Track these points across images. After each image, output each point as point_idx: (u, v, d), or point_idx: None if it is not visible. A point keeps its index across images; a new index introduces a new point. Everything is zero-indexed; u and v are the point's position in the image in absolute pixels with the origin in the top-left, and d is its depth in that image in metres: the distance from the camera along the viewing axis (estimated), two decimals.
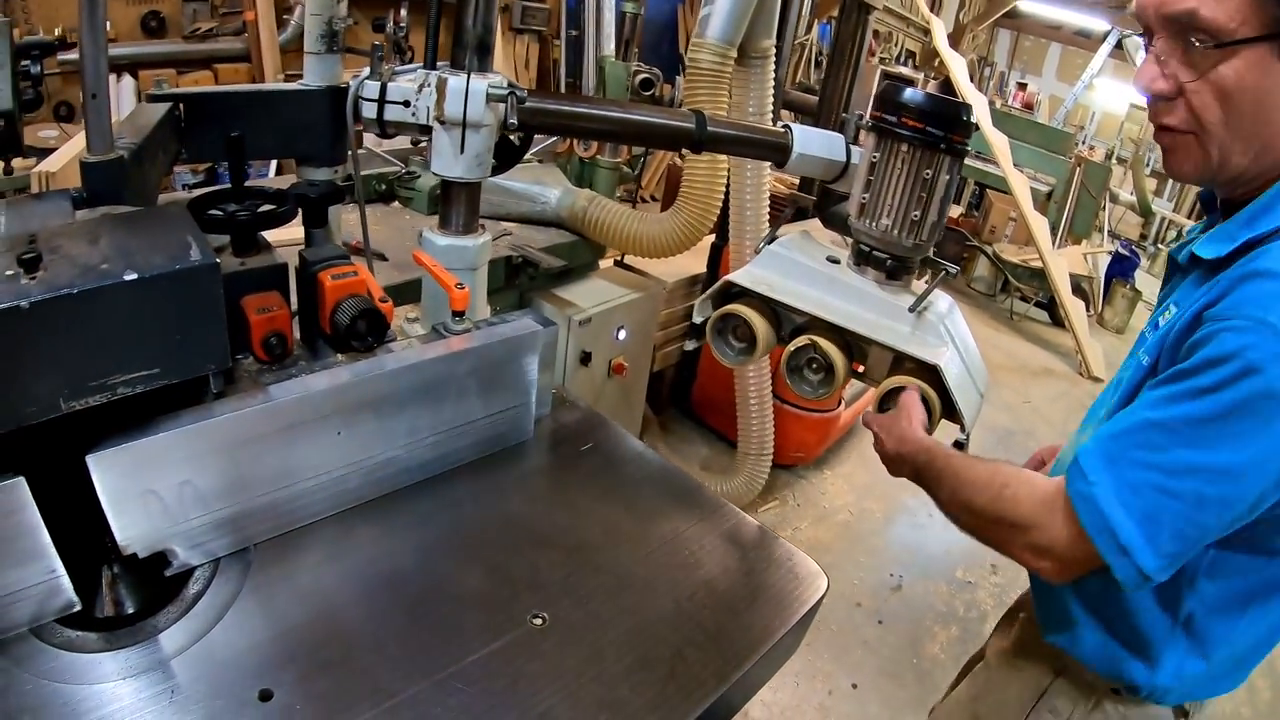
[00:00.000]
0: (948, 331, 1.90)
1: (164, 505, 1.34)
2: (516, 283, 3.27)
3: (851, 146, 2.44)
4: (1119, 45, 12.94)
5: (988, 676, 1.90)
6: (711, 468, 4.77)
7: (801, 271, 2.20)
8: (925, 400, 1.78)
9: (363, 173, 2.16)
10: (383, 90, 1.91)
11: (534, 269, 3.10)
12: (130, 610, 1.36)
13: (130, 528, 1.33)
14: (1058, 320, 8.54)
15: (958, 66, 7.78)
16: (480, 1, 1.90)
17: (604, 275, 3.69)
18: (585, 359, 3.48)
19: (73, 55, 1.71)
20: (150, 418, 1.31)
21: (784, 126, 2.39)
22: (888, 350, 1.94)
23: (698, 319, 2.28)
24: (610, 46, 6.93)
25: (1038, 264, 8.08)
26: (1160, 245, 12.07)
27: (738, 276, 2.19)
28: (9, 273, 1.16)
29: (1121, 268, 9.30)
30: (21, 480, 1.17)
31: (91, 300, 1.16)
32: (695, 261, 4.29)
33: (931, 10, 7.76)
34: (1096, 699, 1.64)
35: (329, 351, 1.63)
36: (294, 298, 1.66)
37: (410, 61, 2.01)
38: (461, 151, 1.87)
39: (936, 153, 1.97)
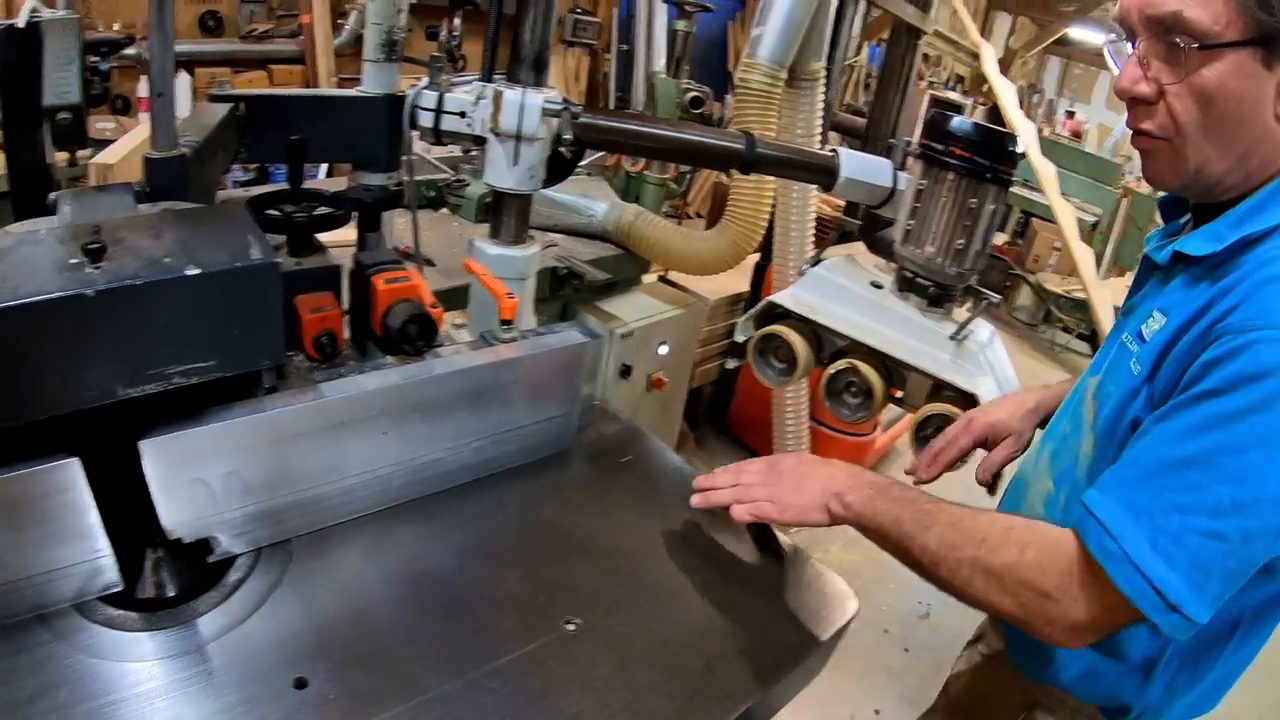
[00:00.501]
0: (987, 361, 1.92)
1: (211, 493, 1.37)
2: (561, 294, 3.29)
3: (898, 172, 2.46)
4: None
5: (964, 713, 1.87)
6: None
7: (844, 295, 2.21)
8: None
9: (389, 180, 2.20)
10: (440, 100, 1.95)
11: (579, 281, 3.13)
12: (170, 593, 1.38)
13: (177, 513, 1.35)
14: None
15: (1006, 93, 7.74)
16: (538, 18, 1.93)
17: (647, 290, 3.71)
18: (625, 372, 3.49)
19: (129, 51, 1.75)
20: (202, 408, 1.34)
21: (832, 150, 2.42)
22: (927, 377, 1.95)
23: (740, 338, 2.30)
24: (661, 62, 6.96)
25: (1081, 295, 7.98)
26: None
27: (781, 298, 2.21)
28: (73, 261, 1.19)
29: None
30: (75, 461, 1.20)
31: (154, 292, 1.18)
32: (737, 280, 4.29)
33: (981, 35, 7.72)
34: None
35: (378, 353, 1.67)
36: (343, 299, 1.70)
37: (463, 71, 2.04)
38: (515, 163, 1.91)
39: (983, 182, 1.99)
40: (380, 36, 2.10)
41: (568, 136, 1.84)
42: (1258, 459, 1.11)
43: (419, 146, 2.66)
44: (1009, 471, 1.82)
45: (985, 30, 11.68)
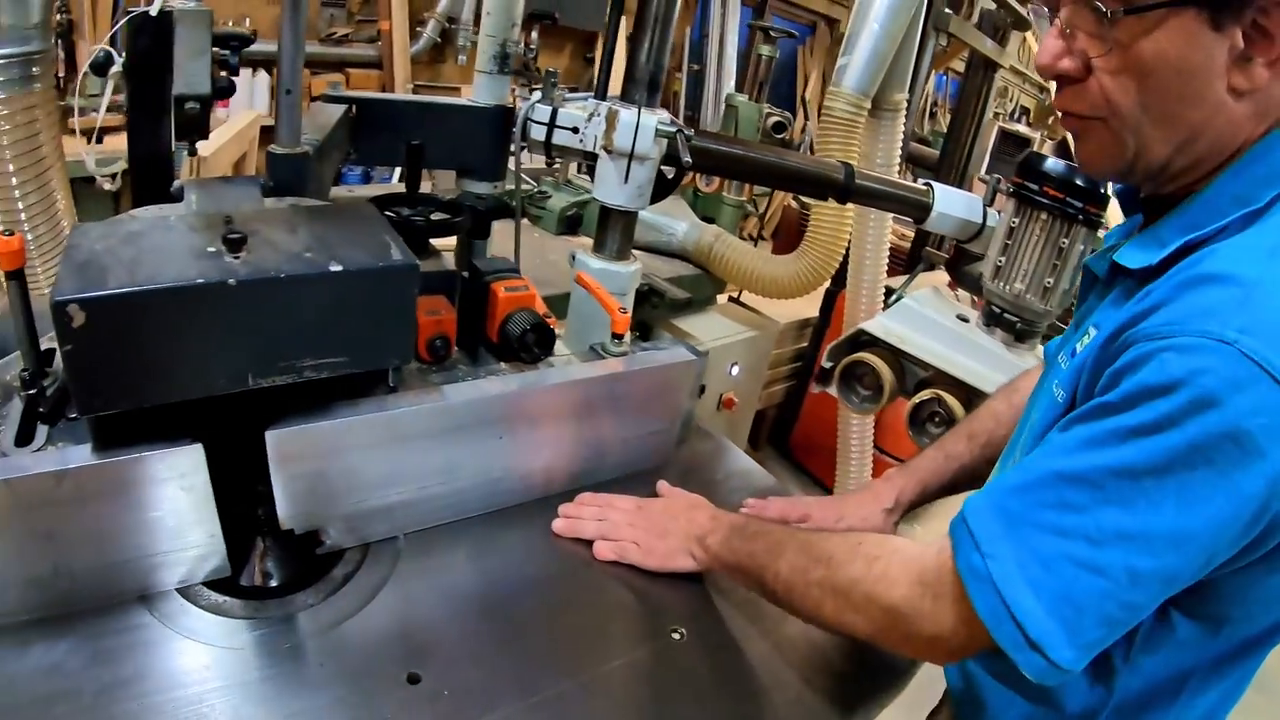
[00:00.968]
0: None
1: (329, 487, 1.40)
2: (640, 310, 3.29)
3: (988, 209, 2.48)
4: None
5: None
6: None
7: (932, 326, 2.24)
8: None
9: (494, 190, 2.24)
10: (553, 115, 1.99)
11: (659, 298, 3.15)
12: (275, 583, 1.42)
13: (293, 505, 1.38)
14: None
15: None
16: (654, 41, 1.96)
17: (721, 311, 3.72)
18: (698, 391, 3.46)
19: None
20: (323, 402, 1.36)
21: (926, 184, 2.44)
22: None
23: (827, 364, 2.33)
24: (731, 83, 7.00)
25: None
26: None
27: (870, 326, 2.25)
28: (210, 249, 1.22)
29: None
30: (199, 446, 1.23)
31: (295, 286, 1.21)
32: (807, 306, 4.29)
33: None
34: None
35: (489, 359, 1.70)
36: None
37: (537, 84, 2.08)
38: (625, 181, 1.94)
39: (1074, 223, 2.02)
40: (494, 48, 2.14)
41: (687, 159, 1.87)
42: (1152, 484, 0.94)
43: None
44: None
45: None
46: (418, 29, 6.70)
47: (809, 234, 3.22)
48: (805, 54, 9.66)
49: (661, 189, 2.12)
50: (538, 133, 2.02)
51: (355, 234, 1.36)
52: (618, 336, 1.71)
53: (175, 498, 1.26)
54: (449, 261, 1.76)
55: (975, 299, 2.53)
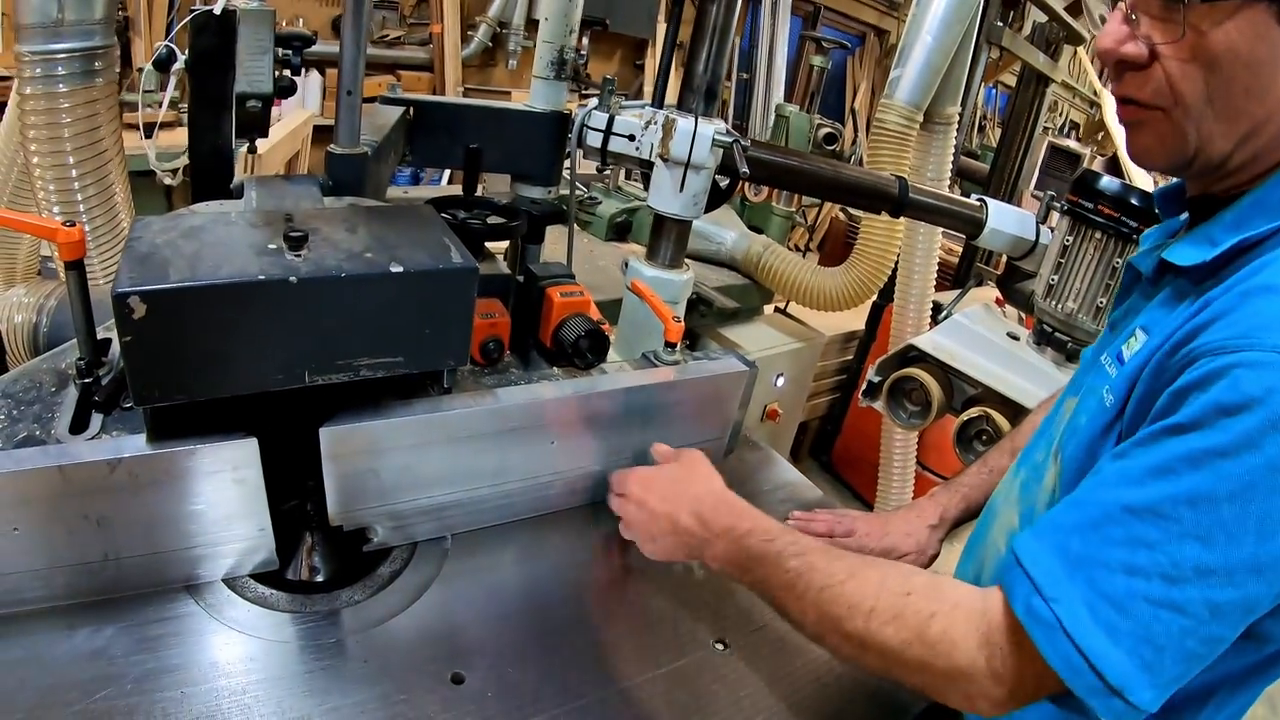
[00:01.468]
0: None
1: (380, 485, 1.40)
2: (687, 318, 3.28)
3: (1041, 226, 2.46)
4: None
5: None
6: None
7: (982, 344, 2.22)
8: None
9: (548, 195, 2.24)
10: (610, 121, 1.99)
11: (707, 307, 3.16)
12: (321, 578, 1.42)
13: (344, 502, 1.39)
14: None
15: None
16: (712, 51, 1.96)
17: (767, 321, 3.72)
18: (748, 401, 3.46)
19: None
20: (378, 401, 1.36)
21: (979, 200, 2.42)
22: None
23: (875, 378, 2.31)
24: (780, 93, 7.00)
25: None
26: None
27: (920, 341, 2.23)
28: (271, 246, 1.22)
29: None
30: (254, 441, 1.24)
31: (355, 285, 1.21)
32: (853, 319, 4.29)
33: (1101, 81, 7.59)
34: None
35: (541, 363, 1.70)
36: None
37: (588, 90, 2.08)
38: (680, 190, 1.94)
39: (1129, 243, 2.00)
40: (551, 54, 2.14)
41: (744, 170, 1.86)
42: (1232, 513, 0.88)
43: None
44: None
45: (1104, 76, 11.46)
46: (469, 32, 6.76)
47: (858, 246, 3.22)
48: (854, 65, 9.66)
49: (715, 198, 2.12)
50: (594, 139, 2.02)
51: (414, 235, 1.36)
52: (670, 345, 1.71)
53: (227, 490, 1.26)
54: (503, 265, 1.76)
55: (1025, 317, 2.51)
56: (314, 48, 1.86)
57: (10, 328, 1.74)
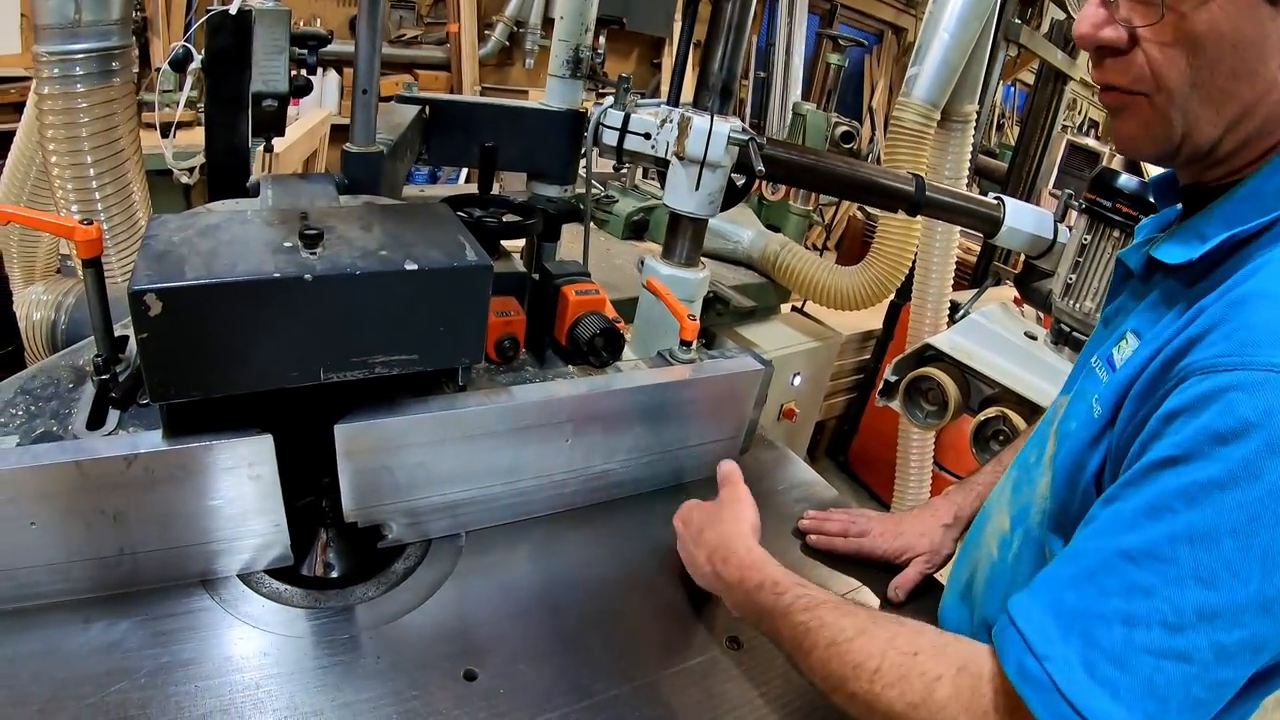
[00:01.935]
0: None
1: (395, 482, 1.41)
2: (704, 317, 3.28)
3: (1059, 225, 2.45)
4: None
5: None
6: None
7: (1000, 343, 2.21)
8: None
9: (564, 194, 2.24)
10: (626, 120, 1.99)
11: (724, 306, 3.15)
12: (335, 574, 1.42)
13: (358, 498, 1.39)
14: None
15: None
16: (727, 49, 1.96)
17: (784, 320, 3.72)
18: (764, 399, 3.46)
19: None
20: (393, 398, 1.37)
21: (996, 198, 2.42)
22: None
23: (892, 377, 2.31)
24: (797, 91, 6.98)
25: None
26: None
27: (938, 341, 2.22)
28: (287, 244, 1.22)
29: None
30: (269, 437, 1.24)
31: (370, 283, 1.21)
32: (870, 318, 4.28)
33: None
34: None
35: (556, 361, 1.70)
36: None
37: (605, 89, 2.08)
38: (696, 188, 1.94)
39: None
40: (566, 53, 2.15)
41: (760, 168, 1.86)
42: (1235, 549, 0.81)
43: None
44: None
45: None
46: (486, 32, 6.79)
47: (875, 245, 3.21)
48: (872, 63, 9.63)
49: (732, 197, 2.11)
50: (609, 137, 2.02)
51: (430, 233, 1.36)
52: (686, 343, 1.70)
53: (243, 486, 1.27)
54: (519, 263, 1.76)
55: (1043, 316, 2.50)
56: (331, 47, 1.87)
57: (29, 325, 1.76)
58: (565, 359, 1.69)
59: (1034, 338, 2.28)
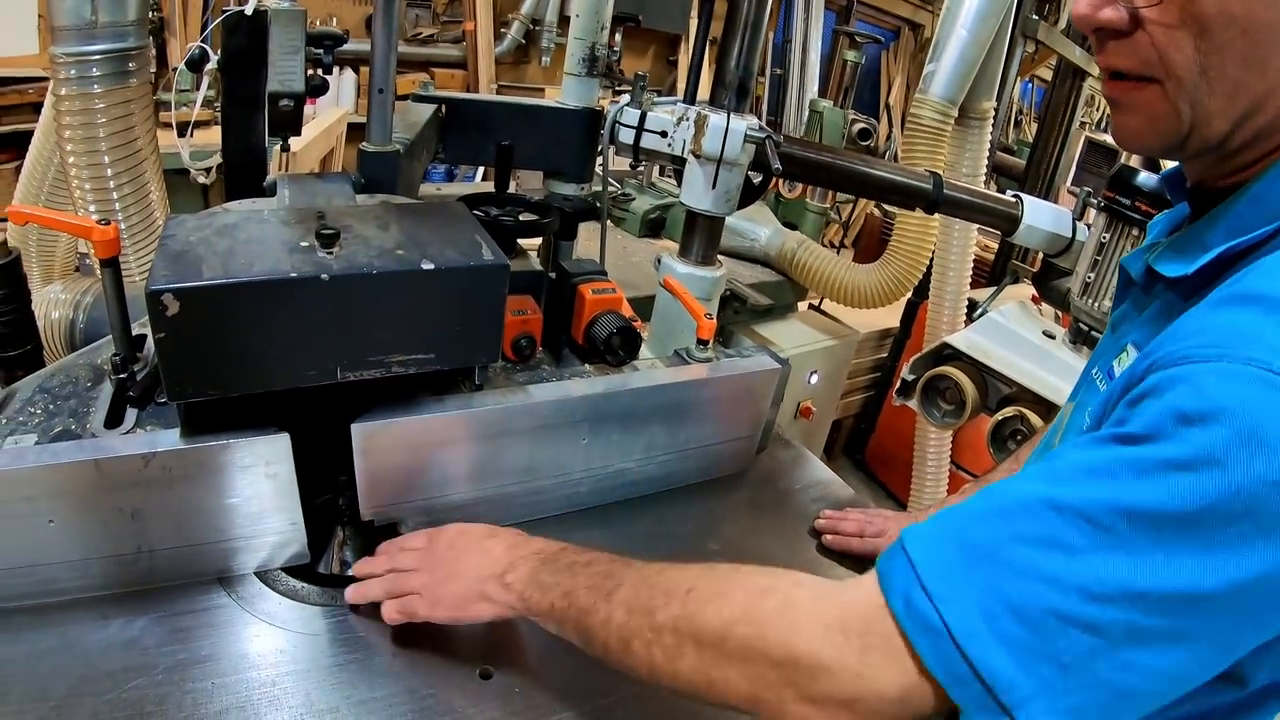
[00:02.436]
0: None
1: (410, 480, 1.41)
2: (720, 315, 3.28)
3: (1078, 223, 2.44)
4: None
5: None
6: None
7: (1017, 342, 2.20)
8: None
9: (581, 192, 2.24)
10: (642, 118, 1.99)
11: (740, 304, 3.14)
12: (352, 572, 1.40)
13: (374, 497, 1.39)
14: None
15: None
16: (744, 46, 1.96)
17: (801, 318, 3.70)
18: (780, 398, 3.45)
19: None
20: (410, 397, 1.37)
21: (1015, 196, 2.40)
22: None
23: (909, 377, 2.30)
24: (814, 89, 6.97)
25: None
26: None
27: (955, 340, 2.21)
28: (304, 244, 1.22)
29: None
30: (286, 436, 1.24)
31: (387, 283, 1.21)
32: (887, 316, 4.26)
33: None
34: None
35: (573, 360, 1.70)
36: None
37: (621, 87, 2.07)
38: (712, 187, 1.93)
39: None
40: (582, 51, 2.15)
41: (776, 166, 1.85)
42: (1173, 536, 0.73)
43: None
44: None
45: None
46: (502, 30, 6.80)
47: (892, 243, 3.20)
48: (889, 59, 9.60)
49: (748, 194, 2.11)
50: (626, 135, 2.02)
51: (446, 232, 1.36)
52: (703, 342, 1.70)
53: (260, 484, 1.27)
54: (535, 262, 1.76)
55: (1061, 315, 2.48)
56: (347, 46, 1.87)
57: (48, 323, 1.76)
58: (582, 358, 1.69)
59: (1052, 337, 2.26)
